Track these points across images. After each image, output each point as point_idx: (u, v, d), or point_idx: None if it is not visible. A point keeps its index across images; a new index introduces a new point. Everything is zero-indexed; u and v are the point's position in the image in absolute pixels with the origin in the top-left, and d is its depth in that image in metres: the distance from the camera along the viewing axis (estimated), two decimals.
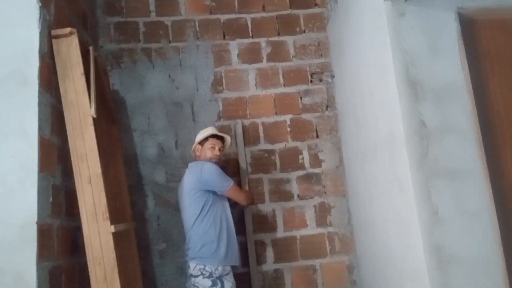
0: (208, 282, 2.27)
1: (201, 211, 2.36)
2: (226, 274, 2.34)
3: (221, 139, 2.61)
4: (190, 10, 3.12)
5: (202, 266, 2.29)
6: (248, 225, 2.80)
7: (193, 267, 2.31)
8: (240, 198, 2.51)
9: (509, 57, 2.14)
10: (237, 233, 2.51)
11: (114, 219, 2.09)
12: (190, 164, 2.55)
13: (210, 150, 2.52)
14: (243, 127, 2.97)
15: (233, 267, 2.42)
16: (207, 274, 2.28)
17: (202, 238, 2.33)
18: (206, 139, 2.55)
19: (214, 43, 3.09)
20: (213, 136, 2.56)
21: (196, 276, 2.29)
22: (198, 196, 2.37)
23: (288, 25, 3.17)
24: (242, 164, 2.89)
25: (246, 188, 2.83)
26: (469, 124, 1.97)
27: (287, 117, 3.05)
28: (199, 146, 2.56)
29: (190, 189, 2.40)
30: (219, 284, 2.27)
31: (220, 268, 2.31)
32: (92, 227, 2.01)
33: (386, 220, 2.27)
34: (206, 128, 2.63)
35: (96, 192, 2.04)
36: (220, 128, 2.93)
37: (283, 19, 3.18)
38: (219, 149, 2.56)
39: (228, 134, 2.90)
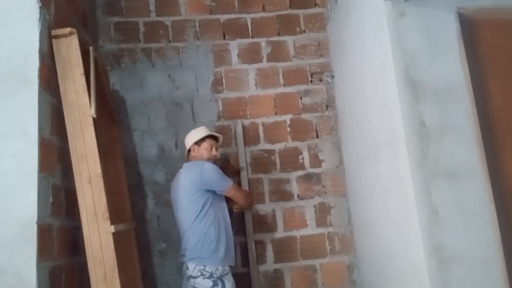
0: (209, 283, 2.25)
1: (200, 211, 2.34)
2: (226, 274, 2.32)
3: (216, 139, 2.60)
4: (190, 10, 3.12)
5: (202, 267, 2.27)
6: (248, 225, 2.80)
7: (193, 268, 2.28)
8: (239, 197, 2.50)
9: (509, 57, 2.14)
10: (237, 233, 2.50)
11: (114, 219, 2.09)
12: (185, 164, 2.51)
13: (208, 150, 2.51)
14: (243, 127, 2.97)
15: (231, 267, 2.41)
16: (208, 274, 2.26)
17: (201, 238, 2.31)
18: (203, 139, 2.53)
19: (214, 43, 3.09)
20: (209, 136, 2.55)
21: (195, 277, 2.27)
22: (197, 196, 2.36)
23: (288, 25, 3.17)
24: (242, 164, 2.89)
25: (246, 188, 2.83)
26: (469, 124, 1.97)
27: (287, 117, 3.04)
28: (195, 146, 2.54)
29: (188, 189, 2.37)
30: (220, 284, 2.26)
31: (220, 268, 2.30)
32: (92, 227, 2.01)
33: (386, 220, 2.27)
34: (198, 128, 2.59)
35: (96, 192, 2.04)
36: (220, 128, 2.93)
37: (283, 19, 3.18)
38: (216, 149, 2.55)
39: (228, 134, 2.92)
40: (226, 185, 2.42)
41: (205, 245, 2.31)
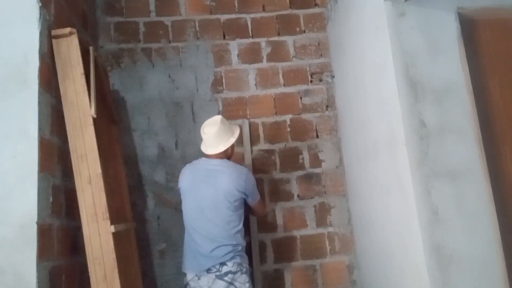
0: (246, 278, 2.27)
1: (241, 217, 2.34)
2: None
3: None
4: (190, 10, 3.12)
5: (239, 262, 2.28)
6: (253, 225, 2.80)
7: (232, 264, 2.25)
8: (261, 210, 2.53)
9: (509, 57, 2.15)
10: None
11: (114, 219, 2.09)
12: (221, 161, 2.35)
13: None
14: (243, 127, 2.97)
15: None
16: (244, 270, 2.29)
17: (242, 242, 2.32)
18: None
19: (214, 43, 3.09)
20: None
21: (235, 273, 2.24)
22: (239, 203, 2.33)
23: (288, 25, 3.17)
24: (248, 164, 2.87)
25: None
26: (469, 124, 1.97)
27: (287, 117, 3.04)
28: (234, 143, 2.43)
29: (233, 195, 2.29)
30: (251, 281, 2.32)
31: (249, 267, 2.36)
32: (92, 227, 2.02)
33: (386, 220, 2.27)
34: (220, 117, 2.38)
35: (96, 192, 2.04)
36: None
37: (283, 19, 3.18)
38: None
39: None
40: (258, 197, 2.43)
41: (243, 247, 2.33)
